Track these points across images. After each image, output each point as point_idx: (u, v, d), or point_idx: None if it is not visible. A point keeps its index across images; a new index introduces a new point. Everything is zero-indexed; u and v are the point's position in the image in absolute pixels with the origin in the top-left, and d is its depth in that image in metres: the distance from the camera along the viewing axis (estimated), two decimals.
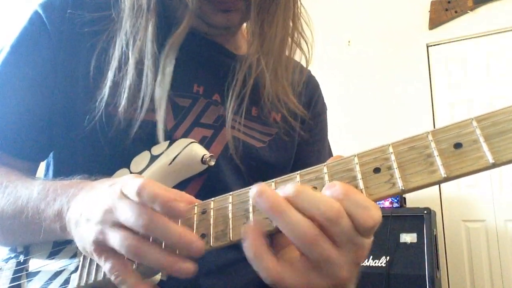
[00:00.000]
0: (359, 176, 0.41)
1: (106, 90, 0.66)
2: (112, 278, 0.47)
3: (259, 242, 0.41)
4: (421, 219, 2.63)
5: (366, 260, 2.62)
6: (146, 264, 0.46)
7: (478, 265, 3.11)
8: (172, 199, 0.44)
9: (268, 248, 0.41)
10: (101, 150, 0.67)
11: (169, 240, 0.44)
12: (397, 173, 0.39)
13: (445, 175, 0.37)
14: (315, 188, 0.44)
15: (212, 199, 0.50)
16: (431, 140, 0.38)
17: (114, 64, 0.67)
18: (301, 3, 0.77)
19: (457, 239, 3.20)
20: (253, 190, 0.41)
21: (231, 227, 0.46)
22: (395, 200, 2.89)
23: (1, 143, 0.69)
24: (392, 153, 0.40)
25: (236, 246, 0.69)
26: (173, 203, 0.44)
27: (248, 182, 0.49)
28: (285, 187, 0.41)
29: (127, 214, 0.45)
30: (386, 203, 2.89)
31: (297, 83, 0.81)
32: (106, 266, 0.47)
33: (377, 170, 0.41)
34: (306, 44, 0.78)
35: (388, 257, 2.58)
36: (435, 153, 0.38)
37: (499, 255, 3.07)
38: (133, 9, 0.69)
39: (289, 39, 0.75)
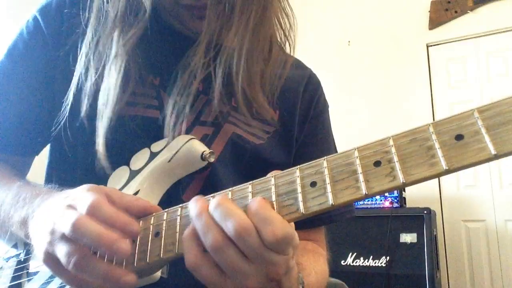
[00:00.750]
0: (359, 169, 0.41)
1: (70, 96, 0.67)
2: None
3: (193, 230, 0.46)
4: (421, 219, 2.63)
5: (366, 260, 2.62)
6: (90, 279, 0.48)
7: (478, 265, 3.11)
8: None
9: (198, 239, 0.45)
10: (77, 152, 0.68)
11: (92, 241, 0.45)
12: (397, 166, 0.39)
13: (447, 167, 0.36)
14: (315, 182, 0.44)
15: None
16: (432, 132, 0.38)
17: (77, 71, 0.68)
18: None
19: (457, 239, 3.20)
20: (190, 202, 0.47)
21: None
22: (395, 200, 2.89)
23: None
24: (392, 146, 0.40)
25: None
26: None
27: (248, 179, 0.49)
28: (214, 198, 0.46)
29: (63, 223, 0.47)
30: (386, 203, 2.89)
31: (278, 77, 0.77)
32: (62, 278, 0.50)
33: (377, 164, 0.40)
34: (290, 46, 0.77)
35: (388, 257, 2.58)
36: (436, 145, 0.37)
37: (499, 255, 3.07)
38: (98, 17, 0.69)
39: (267, 39, 0.73)
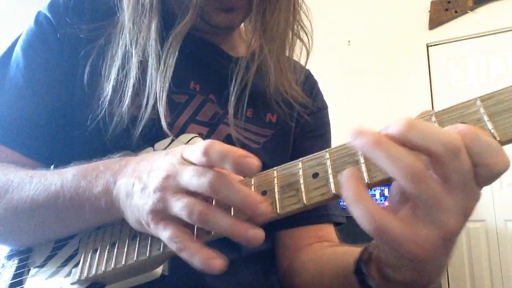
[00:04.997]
0: (361, 160, 0.41)
1: (109, 89, 0.66)
2: (173, 246, 0.44)
3: (360, 184, 0.37)
4: None
5: None
6: (213, 230, 0.44)
7: (478, 265, 3.11)
8: (244, 154, 0.41)
9: (368, 192, 0.37)
10: (103, 151, 0.65)
11: (235, 200, 0.42)
12: None
13: None
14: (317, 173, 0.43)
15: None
16: (435, 121, 0.38)
17: (117, 63, 0.67)
18: None
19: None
20: (351, 131, 0.37)
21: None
22: None
23: (22, 146, 0.69)
24: None
25: (238, 248, 0.69)
26: (245, 158, 0.41)
27: None
28: (394, 123, 0.37)
29: (191, 177, 0.43)
30: (387, 203, 2.89)
31: (297, 80, 0.81)
32: (165, 234, 0.44)
33: None
34: (306, 34, 0.78)
35: None
36: None
37: (499, 255, 3.07)
38: (135, 8, 0.68)
39: (290, 31, 0.74)
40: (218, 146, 0.42)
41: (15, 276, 0.63)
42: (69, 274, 0.57)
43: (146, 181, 0.47)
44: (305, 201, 0.43)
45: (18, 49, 0.73)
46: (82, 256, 0.56)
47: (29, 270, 0.62)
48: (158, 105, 0.65)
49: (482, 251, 3.12)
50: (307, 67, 0.90)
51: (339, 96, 3.57)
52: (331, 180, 0.42)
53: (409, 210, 0.37)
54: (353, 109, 3.64)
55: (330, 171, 0.43)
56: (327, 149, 0.45)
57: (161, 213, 0.45)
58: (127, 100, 0.65)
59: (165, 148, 0.65)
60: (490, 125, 0.35)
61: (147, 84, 0.66)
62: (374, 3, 3.80)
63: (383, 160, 0.35)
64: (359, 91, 3.70)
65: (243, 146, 0.72)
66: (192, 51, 0.74)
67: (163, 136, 0.66)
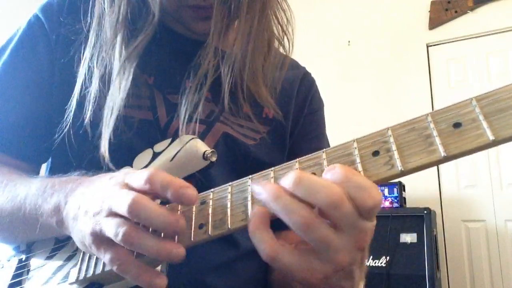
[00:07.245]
0: (357, 160, 0.41)
1: (73, 103, 0.66)
2: (114, 268, 0.46)
3: (260, 218, 0.42)
4: (421, 219, 2.63)
5: (366, 260, 2.62)
6: (140, 251, 0.46)
7: (478, 265, 3.10)
8: (184, 185, 0.45)
9: (268, 226, 0.42)
10: (81, 159, 0.67)
11: (154, 220, 0.44)
12: (395, 155, 0.39)
13: (445, 154, 0.36)
14: (314, 174, 0.44)
15: (211, 190, 0.50)
16: (430, 121, 0.38)
17: (80, 77, 0.67)
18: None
19: (457, 239, 3.20)
20: (253, 185, 0.43)
21: (229, 215, 0.46)
22: (395, 200, 2.89)
23: (3, 144, 0.70)
24: (391, 135, 0.40)
25: (237, 244, 0.69)
26: (185, 189, 0.45)
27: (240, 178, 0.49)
28: (286, 177, 0.41)
29: (117, 200, 0.45)
30: (386, 203, 2.89)
31: (277, 80, 0.79)
32: (106, 257, 0.47)
33: (376, 153, 0.41)
34: (288, 41, 0.78)
35: (388, 257, 2.58)
36: (434, 133, 0.37)
37: (499, 255, 3.07)
38: (101, 22, 0.68)
39: (267, 35, 0.74)
40: (161, 175, 0.45)
41: (14, 276, 0.63)
42: (67, 274, 0.57)
43: (88, 204, 0.49)
44: None
45: (7, 48, 0.73)
46: (81, 257, 0.56)
47: (28, 270, 0.63)
48: (103, 130, 0.64)
49: (482, 251, 3.11)
50: (306, 67, 0.90)
51: (339, 96, 3.57)
52: None
53: (303, 244, 0.42)
54: (353, 109, 3.64)
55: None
56: (324, 150, 0.45)
57: (101, 236, 0.46)
58: (88, 113, 0.65)
59: (165, 149, 0.65)
60: (485, 125, 0.35)
61: (113, 98, 0.66)
62: (374, 3, 3.81)
63: (280, 212, 0.40)
64: (359, 91, 3.70)
65: (239, 143, 0.73)
66: (185, 50, 0.74)
67: (161, 137, 0.67)
